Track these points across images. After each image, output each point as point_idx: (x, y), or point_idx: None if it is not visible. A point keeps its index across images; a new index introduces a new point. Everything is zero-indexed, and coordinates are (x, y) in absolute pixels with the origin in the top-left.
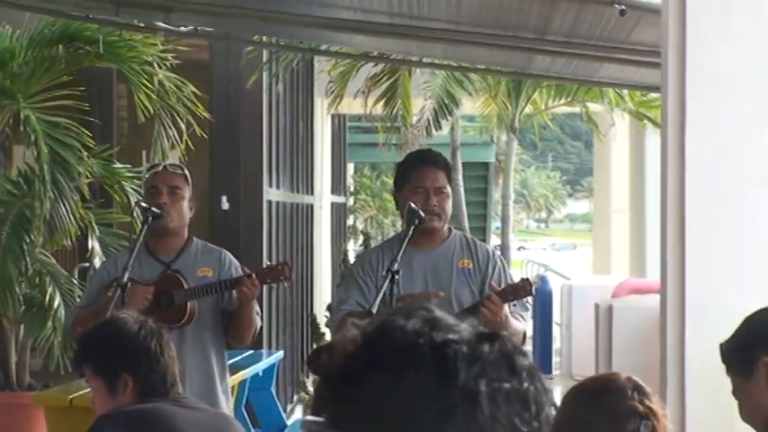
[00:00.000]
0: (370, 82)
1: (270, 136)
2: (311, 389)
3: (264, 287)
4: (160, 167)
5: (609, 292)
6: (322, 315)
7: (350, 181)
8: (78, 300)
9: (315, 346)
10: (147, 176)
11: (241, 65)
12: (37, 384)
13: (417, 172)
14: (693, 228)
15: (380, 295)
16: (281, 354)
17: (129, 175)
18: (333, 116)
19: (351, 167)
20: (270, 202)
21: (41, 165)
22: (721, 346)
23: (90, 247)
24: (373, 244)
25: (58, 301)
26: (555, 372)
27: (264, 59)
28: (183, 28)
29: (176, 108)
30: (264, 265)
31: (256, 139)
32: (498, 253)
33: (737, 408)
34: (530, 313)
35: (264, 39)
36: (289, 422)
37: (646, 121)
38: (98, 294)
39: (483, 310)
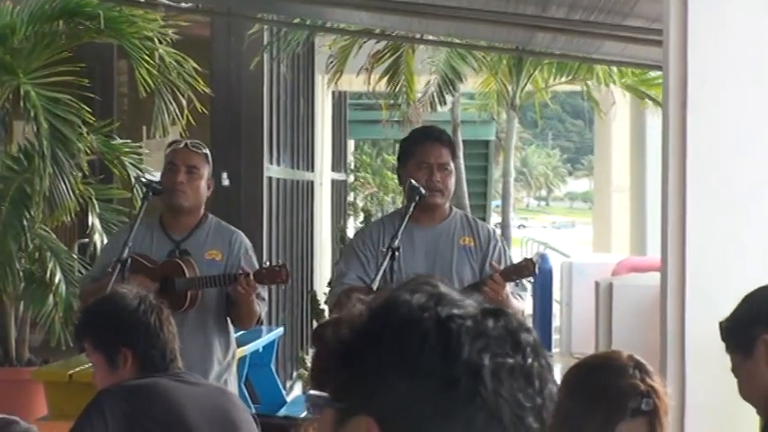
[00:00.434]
0: (373, 59)
1: (270, 112)
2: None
3: None
4: (181, 144)
5: (609, 270)
6: (322, 292)
7: (350, 158)
8: (79, 275)
9: (315, 322)
10: (167, 151)
11: (244, 47)
12: (36, 360)
13: (422, 148)
14: (694, 206)
15: (381, 272)
16: (280, 330)
17: (129, 150)
18: (334, 93)
19: (351, 144)
20: (270, 179)
21: (41, 140)
22: (721, 324)
23: (90, 222)
24: None
25: (58, 276)
26: (555, 349)
27: (266, 41)
28: (183, 3)
29: (177, 84)
30: (263, 265)
31: (257, 115)
32: (499, 232)
33: (737, 386)
34: (529, 293)
35: (265, 15)
36: (288, 398)
37: (646, 100)
38: (106, 266)
39: (485, 289)
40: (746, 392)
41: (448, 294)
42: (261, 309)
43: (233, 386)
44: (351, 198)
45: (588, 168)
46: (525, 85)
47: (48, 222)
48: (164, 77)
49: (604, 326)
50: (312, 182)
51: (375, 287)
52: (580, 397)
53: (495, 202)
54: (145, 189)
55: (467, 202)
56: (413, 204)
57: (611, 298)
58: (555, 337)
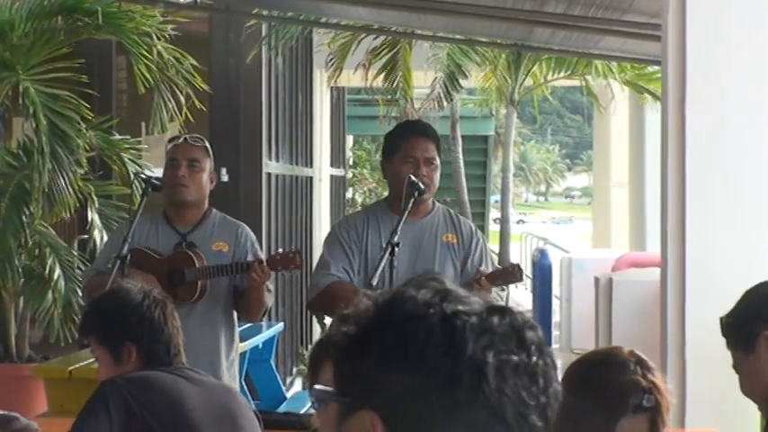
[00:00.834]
0: (370, 55)
1: (269, 108)
2: None
3: None
4: (180, 140)
5: (609, 266)
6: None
7: (349, 154)
8: (79, 271)
9: (314, 318)
10: (167, 147)
11: (241, 39)
12: (36, 356)
13: (407, 142)
14: (694, 201)
15: (380, 267)
16: (280, 326)
17: (128, 146)
18: (332, 89)
19: (350, 140)
20: (269, 175)
21: (40, 137)
22: (721, 319)
23: (89, 218)
24: None
25: (57, 272)
26: (554, 345)
27: (264, 34)
28: (182, 0)
29: (176, 80)
30: (276, 252)
31: (256, 111)
32: (478, 229)
33: (738, 382)
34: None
35: (264, 12)
36: (288, 394)
37: (645, 95)
38: (109, 260)
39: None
40: (748, 388)
41: (454, 291)
42: (269, 300)
43: (235, 381)
44: (349, 194)
45: (587, 163)
46: (524, 80)
47: (47, 218)
48: (162, 74)
49: (604, 321)
50: (311, 177)
51: (375, 282)
52: (582, 393)
53: (495, 198)
54: (144, 185)
55: (466, 197)
56: (412, 200)
57: (611, 293)
58: (555, 332)
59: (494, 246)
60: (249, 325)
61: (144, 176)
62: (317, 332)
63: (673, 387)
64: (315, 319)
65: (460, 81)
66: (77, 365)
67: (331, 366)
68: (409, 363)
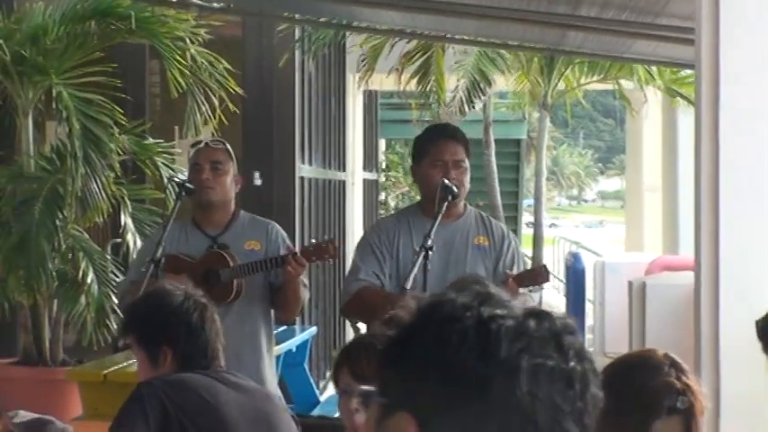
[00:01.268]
0: (403, 59)
1: (302, 112)
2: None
3: None
4: (202, 144)
5: (642, 270)
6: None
7: (382, 157)
8: (112, 275)
9: (347, 322)
10: (190, 153)
11: (274, 42)
12: (70, 360)
13: (436, 146)
14: (727, 204)
15: (415, 270)
16: (314, 330)
17: (162, 150)
18: (364, 92)
19: (383, 144)
20: (302, 179)
21: (73, 141)
22: (757, 323)
23: (122, 222)
24: None
25: (90, 276)
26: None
27: (297, 37)
28: (215, 4)
29: (209, 84)
30: (310, 243)
31: (289, 115)
32: (511, 232)
33: None
34: (539, 294)
35: (297, 15)
36: (322, 398)
37: (678, 98)
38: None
39: None
40: None
41: (496, 295)
42: (305, 295)
43: (274, 383)
44: (382, 197)
45: (620, 167)
46: (557, 84)
47: (80, 222)
48: (196, 78)
49: (638, 325)
50: (344, 181)
51: (408, 286)
52: (615, 395)
53: (527, 201)
54: (178, 189)
55: (498, 201)
56: (445, 204)
57: (645, 297)
58: (588, 336)
59: (527, 250)
60: (283, 328)
61: (177, 180)
62: (350, 336)
63: (707, 390)
64: (348, 323)
65: (490, 86)
66: (112, 369)
67: (347, 373)
68: (443, 365)
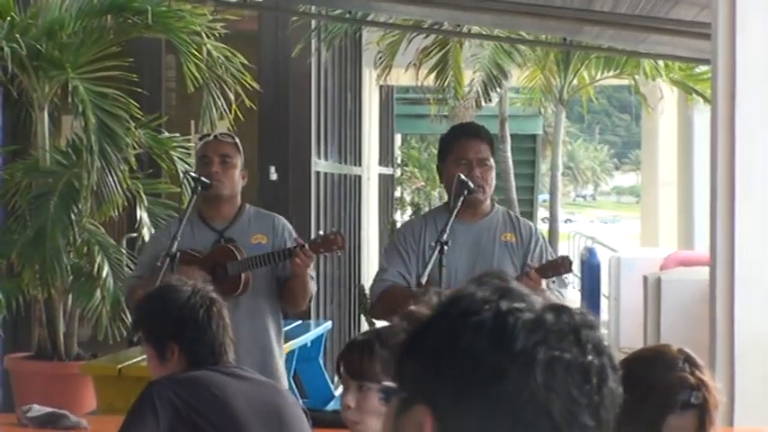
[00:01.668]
0: (421, 54)
1: (318, 107)
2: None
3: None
4: (210, 137)
5: (657, 265)
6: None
7: (397, 152)
8: (127, 269)
9: (363, 316)
10: (198, 146)
11: (288, 32)
12: (85, 354)
13: (460, 144)
14: (743, 199)
15: (430, 266)
16: (329, 324)
17: (177, 144)
18: (380, 87)
19: (398, 139)
20: (318, 173)
21: (89, 135)
22: None
23: (138, 216)
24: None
25: (106, 270)
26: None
27: (312, 27)
28: None
29: (225, 78)
30: (317, 235)
31: (305, 109)
32: (540, 229)
33: None
34: (569, 288)
35: (313, 9)
36: (336, 393)
37: (693, 95)
38: (150, 264)
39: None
40: None
41: (516, 289)
42: (312, 287)
43: (284, 376)
44: (398, 192)
45: (635, 163)
46: (573, 79)
47: (96, 217)
48: (212, 72)
49: (653, 320)
50: (360, 176)
51: (424, 281)
52: (630, 389)
53: (543, 197)
54: (193, 183)
55: (514, 196)
56: (461, 199)
57: (660, 292)
58: (603, 331)
59: None
60: (298, 323)
61: (193, 174)
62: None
63: (721, 385)
64: (363, 318)
65: (506, 79)
66: (126, 363)
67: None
68: (458, 357)
